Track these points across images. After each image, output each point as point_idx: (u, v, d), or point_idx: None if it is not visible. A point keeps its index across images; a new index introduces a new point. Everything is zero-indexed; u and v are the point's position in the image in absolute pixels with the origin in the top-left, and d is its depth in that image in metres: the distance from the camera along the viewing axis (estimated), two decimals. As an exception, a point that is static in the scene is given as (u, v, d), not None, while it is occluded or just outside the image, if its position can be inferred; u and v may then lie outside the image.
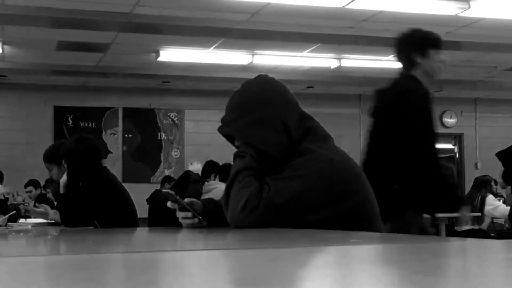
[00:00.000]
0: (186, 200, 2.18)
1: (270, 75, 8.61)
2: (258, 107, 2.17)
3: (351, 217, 2.13)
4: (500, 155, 3.04)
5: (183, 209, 2.16)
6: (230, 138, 2.31)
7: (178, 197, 2.16)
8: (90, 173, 4.06)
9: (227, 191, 2.11)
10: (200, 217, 2.15)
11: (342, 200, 2.14)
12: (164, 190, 2.32)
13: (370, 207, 2.24)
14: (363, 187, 2.24)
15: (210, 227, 2.18)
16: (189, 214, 2.14)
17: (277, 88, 2.27)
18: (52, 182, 6.50)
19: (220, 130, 2.25)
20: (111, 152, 10.50)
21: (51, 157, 4.51)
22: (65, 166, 4.25)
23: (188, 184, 7.63)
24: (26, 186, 8.93)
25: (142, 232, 2.78)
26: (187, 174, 8.17)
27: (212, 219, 2.19)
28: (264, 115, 2.15)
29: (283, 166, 2.12)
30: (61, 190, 4.18)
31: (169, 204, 2.18)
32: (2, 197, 7.69)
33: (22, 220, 5.36)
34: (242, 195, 2.06)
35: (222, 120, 2.25)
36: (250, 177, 2.09)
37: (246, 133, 2.17)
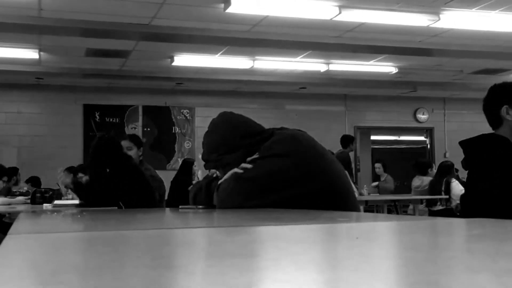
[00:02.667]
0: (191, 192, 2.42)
1: (269, 78, 8.63)
2: (221, 141, 2.33)
3: (325, 194, 2.09)
4: (462, 143, 2.99)
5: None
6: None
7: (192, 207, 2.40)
8: (115, 161, 4.05)
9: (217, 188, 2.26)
10: (202, 206, 2.31)
11: (312, 177, 2.11)
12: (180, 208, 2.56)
13: (342, 185, 2.20)
14: (331, 165, 2.21)
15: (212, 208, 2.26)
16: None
17: (232, 122, 2.39)
18: (85, 169, 6.47)
19: (205, 167, 2.46)
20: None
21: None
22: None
23: (190, 169, 7.68)
24: (27, 181, 8.36)
25: (161, 212, 2.78)
26: (186, 161, 8.18)
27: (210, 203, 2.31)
28: (226, 146, 2.29)
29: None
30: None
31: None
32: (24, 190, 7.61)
33: (46, 204, 5.33)
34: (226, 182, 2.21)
35: (202, 158, 2.44)
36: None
37: (218, 162, 2.33)
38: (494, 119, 2.87)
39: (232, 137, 2.29)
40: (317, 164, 2.15)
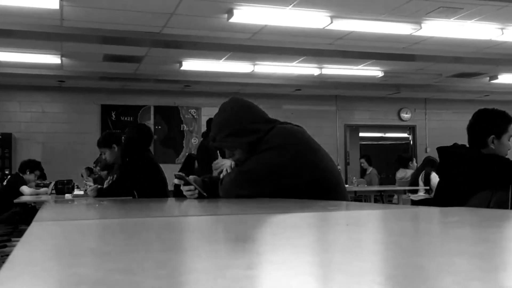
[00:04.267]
0: (190, 177, 2.25)
1: (267, 80, 8.61)
2: (231, 122, 2.25)
3: (317, 185, 2.09)
4: (441, 150, 2.96)
5: (186, 184, 2.24)
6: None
7: (183, 175, 2.26)
8: (135, 152, 3.99)
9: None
10: (201, 190, 2.22)
11: (306, 170, 2.09)
12: (174, 173, 2.36)
13: (332, 177, 2.19)
14: (324, 159, 2.20)
15: (210, 198, 2.23)
16: (192, 187, 2.22)
17: (242, 105, 2.33)
18: (99, 162, 6.48)
19: (210, 145, 2.37)
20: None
21: (103, 143, 4.49)
22: (115, 149, 4.20)
23: (192, 165, 7.58)
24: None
25: (170, 202, 2.78)
26: (190, 156, 8.12)
27: (212, 192, 2.24)
28: (234, 127, 2.22)
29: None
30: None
31: (175, 180, 2.25)
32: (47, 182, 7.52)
33: (67, 194, 5.33)
34: (228, 175, 2.22)
35: (210, 137, 2.36)
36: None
37: (224, 143, 2.27)
38: (479, 142, 2.82)
39: (238, 120, 2.24)
40: (310, 158, 2.14)
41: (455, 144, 2.94)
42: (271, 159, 2.10)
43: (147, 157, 4.08)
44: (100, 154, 4.64)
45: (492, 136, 2.79)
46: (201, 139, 7.52)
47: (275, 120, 2.31)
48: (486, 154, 2.79)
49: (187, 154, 8.35)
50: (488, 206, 2.58)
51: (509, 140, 2.81)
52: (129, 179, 3.84)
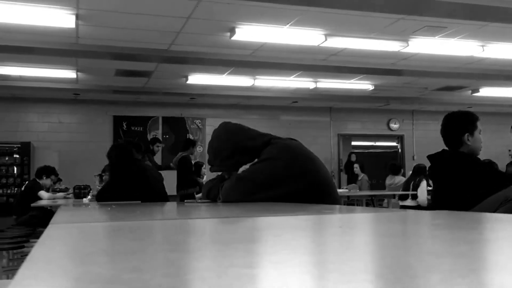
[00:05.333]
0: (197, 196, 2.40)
1: (266, 93, 8.61)
2: (223, 147, 2.27)
3: (312, 191, 2.07)
4: (430, 157, 2.98)
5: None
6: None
7: (193, 201, 2.43)
8: (124, 164, 4.09)
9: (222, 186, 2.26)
10: (204, 201, 2.34)
11: (301, 177, 2.08)
12: (185, 202, 2.45)
13: (326, 183, 2.18)
14: (317, 167, 2.18)
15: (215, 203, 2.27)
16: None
17: (232, 128, 2.34)
18: (106, 170, 6.48)
19: (210, 170, 2.38)
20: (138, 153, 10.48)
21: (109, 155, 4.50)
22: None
23: (199, 170, 7.70)
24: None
25: (174, 206, 2.77)
26: (197, 164, 8.23)
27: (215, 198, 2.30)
28: (229, 150, 2.25)
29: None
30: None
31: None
32: (63, 187, 7.53)
33: (85, 199, 5.37)
34: (229, 181, 2.23)
35: (209, 163, 2.38)
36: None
37: (222, 166, 2.29)
38: (455, 142, 2.86)
39: (232, 142, 2.26)
40: (305, 166, 2.14)
41: (443, 150, 2.97)
42: (268, 168, 2.10)
43: (136, 167, 4.15)
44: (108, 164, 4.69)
45: (467, 134, 2.84)
46: (183, 153, 7.61)
47: (268, 134, 2.32)
48: (466, 154, 2.83)
49: (194, 162, 8.38)
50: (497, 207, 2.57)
51: (479, 134, 2.88)
52: (114, 187, 3.93)
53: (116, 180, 4.06)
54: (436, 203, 2.93)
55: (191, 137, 11.35)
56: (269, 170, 2.09)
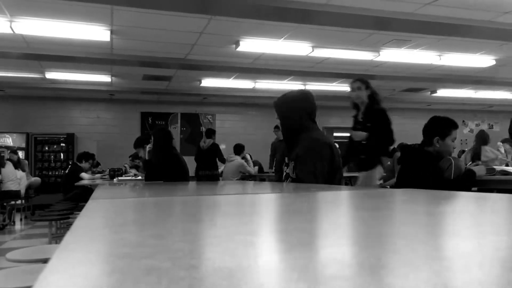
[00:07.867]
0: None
1: (265, 94, 8.49)
2: (297, 104, 2.34)
3: (333, 175, 2.24)
4: (401, 147, 2.99)
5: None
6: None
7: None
8: (165, 149, 3.96)
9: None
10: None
11: (334, 170, 2.24)
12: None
13: (339, 170, 2.28)
14: (339, 160, 2.28)
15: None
16: None
17: (305, 96, 2.41)
18: (137, 157, 6.42)
19: (281, 122, 2.40)
20: (174, 139, 10.47)
21: (137, 144, 4.46)
22: (146, 148, 4.12)
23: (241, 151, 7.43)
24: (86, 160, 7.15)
25: (191, 185, 2.78)
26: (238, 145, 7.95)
27: None
28: (296, 111, 2.32)
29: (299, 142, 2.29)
30: (147, 157, 4.06)
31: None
32: (100, 169, 7.49)
33: (115, 179, 5.34)
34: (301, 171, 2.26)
35: (283, 114, 2.37)
36: None
37: (291, 121, 2.33)
38: (427, 141, 2.83)
39: (306, 107, 2.34)
40: (337, 162, 2.27)
41: (414, 144, 2.97)
42: (319, 166, 2.21)
43: (172, 153, 4.06)
44: (135, 152, 4.64)
45: (437, 137, 2.80)
46: (212, 140, 7.48)
47: (314, 122, 2.40)
48: (426, 151, 2.82)
49: (211, 142, 7.87)
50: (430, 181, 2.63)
51: (453, 141, 2.82)
52: (159, 168, 3.82)
53: (163, 160, 3.84)
54: (399, 182, 2.94)
55: (203, 129, 11.35)
56: (320, 167, 2.22)
